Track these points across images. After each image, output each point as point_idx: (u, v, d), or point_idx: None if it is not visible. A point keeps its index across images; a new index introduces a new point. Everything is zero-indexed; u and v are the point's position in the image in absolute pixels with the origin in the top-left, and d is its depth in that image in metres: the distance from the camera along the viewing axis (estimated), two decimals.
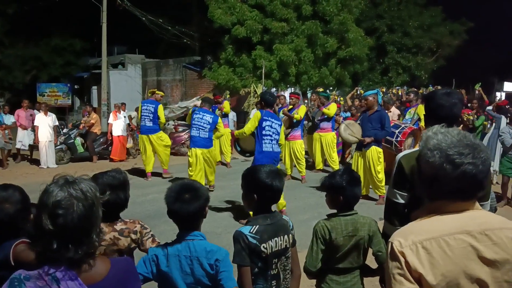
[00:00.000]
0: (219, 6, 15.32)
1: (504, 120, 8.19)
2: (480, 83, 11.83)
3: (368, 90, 8.02)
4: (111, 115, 12.04)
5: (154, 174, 9.37)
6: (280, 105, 10.45)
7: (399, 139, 7.52)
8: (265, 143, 5.83)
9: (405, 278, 1.29)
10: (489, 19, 27.78)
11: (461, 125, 8.46)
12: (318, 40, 15.46)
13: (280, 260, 2.30)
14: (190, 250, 2.05)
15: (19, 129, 11.29)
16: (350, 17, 15.94)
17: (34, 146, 11.42)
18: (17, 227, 1.96)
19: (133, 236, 2.36)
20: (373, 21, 21.29)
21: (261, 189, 2.27)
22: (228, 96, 12.34)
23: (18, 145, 11.26)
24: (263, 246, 2.19)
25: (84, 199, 1.36)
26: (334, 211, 2.56)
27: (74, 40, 22.68)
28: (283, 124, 8.67)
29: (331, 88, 16.51)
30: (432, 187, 1.39)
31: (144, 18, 19.01)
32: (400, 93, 15.72)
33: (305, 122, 10.01)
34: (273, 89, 16.27)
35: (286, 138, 8.79)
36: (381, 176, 7.07)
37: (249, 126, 5.78)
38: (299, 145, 8.76)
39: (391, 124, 7.31)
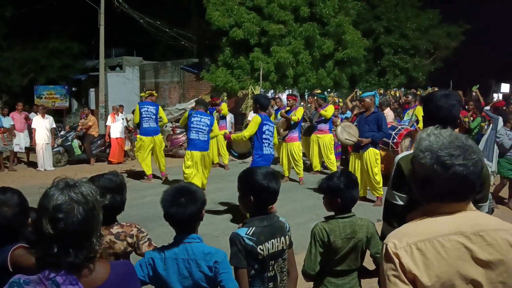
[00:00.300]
0: (217, 9, 15.35)
1: (501, 121, 8.21)
2: (477, 85, 11.87)
3: (365, 92, 8.05)
4: (109, 117, 12.04)
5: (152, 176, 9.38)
6: (277, 107, 10.49)
7: (395, 140, 7.55)
8: (265, 146, 5.97)
9: (399, 279, 1.30)
10: (486, 21, 27.90)
11: (458, 127, 8.49)
12: (316, 42, 15.51)
13: (277, 262, 2.30)
14: (188, 253, 2.04)
15: (16, 132, 11.26)
16: (347, 19, 16.00)
17: (31, 149, 11.40)
18: (15, 231, 1.95)
19: (130, 240, 2.34)
20: (370, 22, 21.34)
21: (257, 191, 2.28)
22: (225, 98, 12.35)
23: (15, 148, 11.24)
24: (260, 248, 2.19)
25: (84, 203, 1.35)
26: (332, 213, 2.56)
27: (72, 42, 22.68)
28: (281, 126, 8.75)
29: (328, 90, 16.55)
30: (426, 188, 1.40)
31: (142, 21, 19.02)
32: (398, 95, 15.77)
33: (303, 124, 10.02)
34: (271, 91, 16.31)
35: (283, 140, 8.82)
36: (379, 177, 7.09)
37: (250, 131, 5.78)
38: (297, 147, 8.77)
39: (388, 126, 7.34)
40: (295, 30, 15.36)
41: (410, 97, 9.29)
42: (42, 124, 10.65)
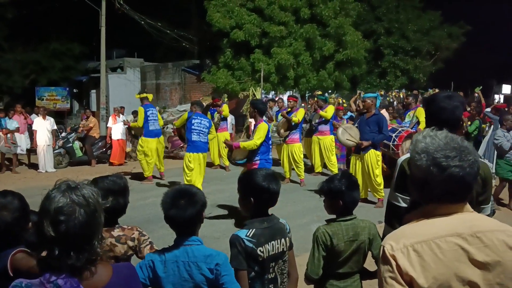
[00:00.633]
0: (218, 10, 15.37)
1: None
2: (480, 87, 11.85)
3: (367, 93, 8.04)
4: (110, 118, 12.05)
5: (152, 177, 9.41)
6: (278, 108, 10.50)
7: (395, 142, 7.53)
8: (270, 150, 6.06)
9: (396, 281, 1.30)
10: (487, 22, 27.88)
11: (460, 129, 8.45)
12: (316, 43, 15.52)
13: (277, 263, 2.30)
14: (188, 255, 2.04)
15: (16, 134, 11.25)
16: (347, 20, 16.00)
17: (32, 151, 11.40)
18: (15, 236, 1.93)
19: (130, 243, 2.32)
20: (371, 24, 21.34)
21: (257, 193, 2.28)
22: (226, 99, 12.35)
23: (17, 150, 11.25)
24: (260, 250, 2.20)
25: (86, 205, 1.35)
26: (333, 216, 2.56)
27: (73, 44, 22.70)
28: (281, 127, 8.76)
29: (329, 91, 16.55)
30: (423, 190, 1.41)
31: (143, 22, 19.05)
32: (402, 96, 15.77)
33: (304, 125, 10.02)
34: (272, 92, 16.31)
35: (284, 141, 8.82)
36: (380, 179, 7.09)
37: (262, 139, 5.79)
38: (298, 148, 8.77)
39: (388, 128, 7.33)
40: (295, 31, 15.37)
41: (410, 98, 9.28)
42: (43, 126, 10.66)
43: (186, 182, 6.84)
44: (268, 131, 5.94)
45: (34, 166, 11.12)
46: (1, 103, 20.54)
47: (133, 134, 11.60)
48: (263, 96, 14.66)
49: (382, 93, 16.34)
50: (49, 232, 1.30)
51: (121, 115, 12.03)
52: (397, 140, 7.54)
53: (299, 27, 15.40)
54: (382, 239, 2.45)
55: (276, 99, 12.00)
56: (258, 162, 5.80)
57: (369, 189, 7.35)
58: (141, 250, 2.33)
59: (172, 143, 12.21)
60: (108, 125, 12.07)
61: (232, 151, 5.87)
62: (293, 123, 8.61)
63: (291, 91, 16.24)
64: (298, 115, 8.62)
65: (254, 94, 14.61)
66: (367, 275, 2.61)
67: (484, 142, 8.86)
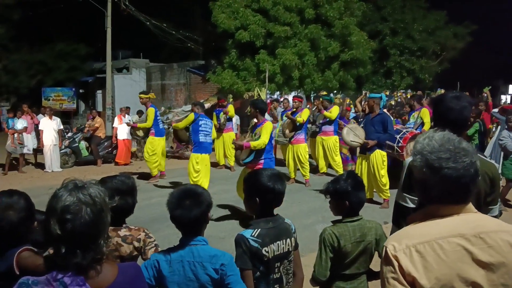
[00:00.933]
0: (223, 11, 15.39)
1: None
2: (489, 87, 11.72)
3: (372, 93, 8.01)
4: (116, 118, 12.11)
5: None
6: (283, 108, 10.49)
7: (400, 144, 7.48)
8: (272, 149, 6.10)
9: (398, 282, 1.30)
10: (493, 21, 27.72)
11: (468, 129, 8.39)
12: (321, 43, 15.49)
13: (283, 263, 2.30)
14: (194, 255, 2.03)
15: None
16: (352, 20, 15.95)
17: (38, 150, 11.48)
18: (20, 235, 1.93)
19: (136, 244, 2.31)
20: (376, 24, 21.28)
21: (263, 193, 2.28)
22: (231, 100, 12.35)
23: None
24: (265, 250, 2.19)
25: (92, 204, 1.35)
26: (339, 217, 2.54)
27: (78, 45, 22.86)
28: (286, 127, 8.75)
29: (335, 91, 16.51)
30: (424, 191, 1.41)
31: (148, 23, 19.13)
32: (409, 97, 15.67)
33: (309, 125, 10.00)
34: (277, 93, 16.30)
35: (290, 142, 8.82)
36: (385, 179, 7.06)
37: (267, 138, 5.85)
38: (303, 148, 8.76)
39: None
40: (300, 32, 15.35)
41: (413, 101, 9.23)
42: (50, 126, 10.73)
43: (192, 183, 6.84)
44: (272, 130, 6.06)
45: (41, 166, 11.19)
46: (8, 104, 20.68)
47: (140, 135, 11.48)
48: (268, 96, 14.65)
49: (387, 93, 16.27)
50: (56, 231, 1.31)
51: (126, 115, 12.07)
52: (401, 141, 7.49)
53: (304, 28, 15.38)
54: None
55: (281, 99, 11.98)
56: (262, 161, 5.85)
57: (374, 190, 7.33)
58: (145, 252, 2.31)
59: (177, 143, 12.24)
60: (114, 125, 12.12)
61: (242, 150, 5.90)
62: (297, 124, 8.60)
63: (296, 92, 16.23)
64: (303, 115, 8.62)
65: (259, 95, 14.60)
66: (373, 276, 2.60)
67: (491, 142, 8.79)
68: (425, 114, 8.47)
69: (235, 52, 15.61)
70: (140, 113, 12.32)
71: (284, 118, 9.19)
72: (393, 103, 13.17)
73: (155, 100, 12.39)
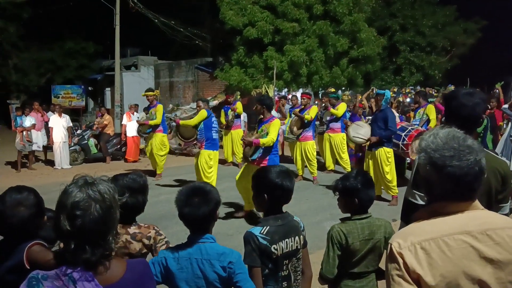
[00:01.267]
0: (231, 8, 15.37)
1: None
2: (502, 82, 11.54)
3: (380, 90, 7.95)
4: (125, 116, 12.17)
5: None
6: (292, 105, 10.46)
7: (405, 142, 7.41)
8: (277, 144, 6.14)
9: (403, 279, 1.29)
10: (504, 17, 27.31)
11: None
12: (329, 40, 15.40)
13: (291, 261, 2.29)
14: (202, 253, 2.03)
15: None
16: (361, 16, 15.84)
17: (48, 147, 11.59)
18: (30, 231, 1.94)
19: (146, 242, 2.32)
20: (385, 20, 21.10)
21: (271, 189, 2.28)
22: (239, 97, 12.34)
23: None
24: (274, 247, 2.19)
25: (102, 201, 1.36)
26: (347, 214, 2.52)
27: (87, 43, 22.99)
28: (294, 124, 8.73)
29: (343, 88, 16.42)
30: (429, 188, 1.40)
31: (156, 20, 19.17)
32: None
33: (317, 122, 9.97)
34: (285, 90, 16.26)
35: (297, 139, 8.80)
36: (390, 176, 7.03)
37: (275, 135, 5.86)
38: (311, 146, 8.73)
39: (398, 127, 7.25)
40: (308, 28, 15.28)
41: (419, 98, 9.11)
42: (59, 123, 10.83)
43: (205, 180, 6.84)
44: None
45: (50, 163, 11.29)
46: (18, 102, 20.89)
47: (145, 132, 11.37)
48: (275, 93, 14.62)
49: (395, 90, 16.11)
50: (66, 226, 1.32)
51: (135, 113, 12.13)
52: (406, 139, 7.42)
53: (312, 24, 15.31)
54: None
55: (290, 96, 11.95)
56: (267, 158, 5.90)
57: (382, 187, 7.30)
58: (156, 250, 2.30)
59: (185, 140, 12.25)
60: (122, 123, 12.19)
61: (250, 147, 5.92)
62: (305, 121, 8.58)
63: (304, 88, 16.17)
64: (311, 113, 8.59)
65: (267, 92, 14.58)
66: (383, 275, 2.57)
67: (502, 139, 8.69)
68: (431, 110, 8.40)
69: (243, 49, 15.59)
70: (146, 110, 12.34)
71: (293, 115, 9.17)
72: (401, 100, 13.05)
73: (163, 98, 12.43)
